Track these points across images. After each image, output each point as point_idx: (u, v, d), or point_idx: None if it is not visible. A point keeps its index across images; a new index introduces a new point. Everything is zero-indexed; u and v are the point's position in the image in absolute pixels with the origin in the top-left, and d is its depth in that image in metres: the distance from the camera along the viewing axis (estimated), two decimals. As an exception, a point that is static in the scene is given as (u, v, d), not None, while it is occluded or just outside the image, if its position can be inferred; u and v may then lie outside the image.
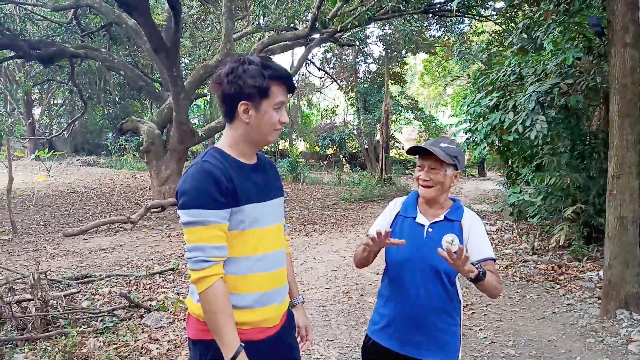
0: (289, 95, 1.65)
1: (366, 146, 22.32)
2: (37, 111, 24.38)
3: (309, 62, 20.85)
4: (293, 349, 1.78)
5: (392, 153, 21.25)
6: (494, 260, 1.89)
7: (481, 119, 6.94)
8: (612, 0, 4.17)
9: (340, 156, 24.56)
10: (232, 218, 1.54)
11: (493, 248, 7.00)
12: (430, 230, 1.89)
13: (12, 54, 11.47)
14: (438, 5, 13.53)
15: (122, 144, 21.74)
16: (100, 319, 4.09)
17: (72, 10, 12.35)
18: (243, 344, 1.51)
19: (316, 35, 12.49)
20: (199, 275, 1.47)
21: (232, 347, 1.48)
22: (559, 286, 5.30)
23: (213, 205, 1.48)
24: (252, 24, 14.22)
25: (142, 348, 3.62)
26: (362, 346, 2.05)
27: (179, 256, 6.65)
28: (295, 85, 1.68)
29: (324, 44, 18.21)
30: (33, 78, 17.19)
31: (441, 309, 1.85)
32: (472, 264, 1.69)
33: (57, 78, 16.86)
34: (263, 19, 12.01)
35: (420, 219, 1.93)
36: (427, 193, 1.90)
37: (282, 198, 1.75)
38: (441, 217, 1.90)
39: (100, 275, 5.45)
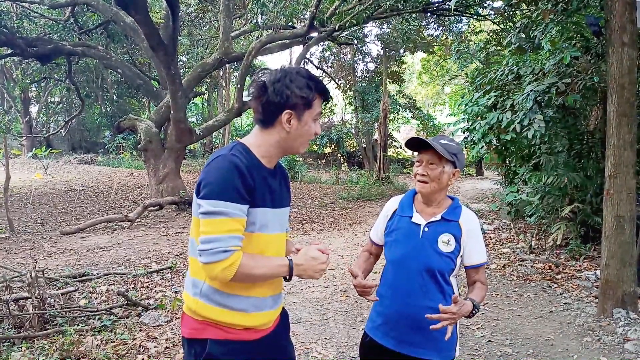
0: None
1: (364, 145, 22.34)
2: (34, 109, 24.32)
3: (307, 60, 20.81)
4: (287, 349, 1.77)
5: (390, 152, 21.27)
6: (486, 264, 1.96)
7: (479, 118, 6.95)
8: (610, 0, 4.18)
9: (338, 155, 24.57)
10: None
11: (490, 247, 7.06)
12: (426, 229, 1.89)
13: (9, 51, 11.42)
14: (436, 4, 13.53)
15: (120, 142, 21.70)
16: (97, 317, 4.08)
17: (70, 7, 12.31)
18: (290, 258, 1.59)
19: (314, 34, 12.46)
20: (223, 266, 1.45)
21: (285, 265, 1.58)
22: (556, 285, 5.32)
23: (237, 199, 1.47)
24: (250, 22, 14.19)
25: (139, 346, 3.62)
26: (360, 343, 2.06)
27: (177, 254, 6.64)
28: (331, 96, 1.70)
29: (322, 43, 18.23)
30: (30, 76, 17.15)
31: (436, 307, 1.85)
32: (467, 301, 1.79)
33: (55, 76, 16.77)
34: (261, 17, 11.99)
35: (417, 218, 1.93)
36: (423, 188, 1.90)
37: (289, 208, 1.76)
38: (438, 217, 1.90)
39: (97, 273, 5.44)
